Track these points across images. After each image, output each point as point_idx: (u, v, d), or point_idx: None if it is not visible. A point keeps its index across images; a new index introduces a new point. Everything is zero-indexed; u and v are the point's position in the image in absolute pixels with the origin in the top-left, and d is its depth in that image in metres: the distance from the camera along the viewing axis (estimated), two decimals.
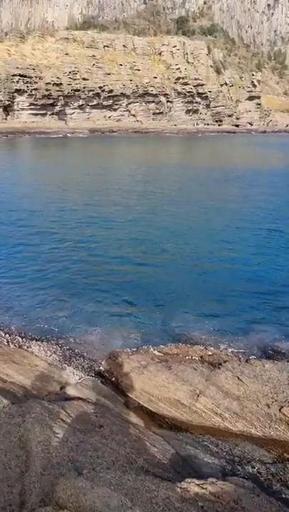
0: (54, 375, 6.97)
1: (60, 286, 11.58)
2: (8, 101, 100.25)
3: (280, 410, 6.30)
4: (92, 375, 7.47)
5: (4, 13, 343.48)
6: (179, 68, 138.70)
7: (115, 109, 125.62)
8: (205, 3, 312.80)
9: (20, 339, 8.32)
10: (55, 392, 6.43)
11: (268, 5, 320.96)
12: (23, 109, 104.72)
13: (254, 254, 14.47)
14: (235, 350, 8.49)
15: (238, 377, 6.89)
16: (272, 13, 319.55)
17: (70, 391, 6.34)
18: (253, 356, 8.19)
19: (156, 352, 7.79)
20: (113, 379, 7.24)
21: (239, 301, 10.91)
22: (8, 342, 8.05)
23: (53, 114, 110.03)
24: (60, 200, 23.12)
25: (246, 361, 7.52)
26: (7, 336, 8.41)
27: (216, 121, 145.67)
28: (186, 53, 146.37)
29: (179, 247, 15.25)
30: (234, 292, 11.46)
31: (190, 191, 26.78)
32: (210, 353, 7.89)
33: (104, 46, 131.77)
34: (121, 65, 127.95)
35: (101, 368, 7.66)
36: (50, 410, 5.51)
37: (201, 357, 7.72)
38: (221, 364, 7.34)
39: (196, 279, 12.36)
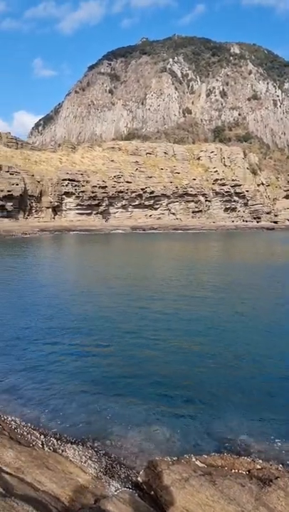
0: (89, 485, 6.42)
1: (96, 384, 11.24)
2: (57, 202, 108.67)
3: None
4: (129, 487, 6.83)
5: (58, 129, 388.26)
6: (216, 171, 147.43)
7: (156, 208, 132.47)
8: (240, 114, 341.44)
9: (55, 441, 7.90)
10: (89, 505, 5.86)
11: None
12: (70, 209, 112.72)
13: None
14: (287, 463, 7.64)
15: None
16: None
17: (105, 505, 5.76)
18: None
19: (198, 463, 7.10)
20: (152, 492, 6.57)
21: (288, 404, 10.09)
22: (42, 444, 7.65)
23: (97, 213, 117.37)
24: (98, 293, 23.51)
25: None
26: (42, 437, 8.03)
27: (254, 218, 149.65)
28: (223, 157, 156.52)
29: (220, 344, 14.73)
30: (283, 394, 10.67)
31: (232, 288, 26.54)
32: (258, 466, 7.11)
33: (147, 153, 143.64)
34: (162, 169, 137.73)
35: (139, 478, 7.01)
36: None
37: (249, 471, 6.95)
38: (271, 481, 6.55)
39: (239, 378, 11.68)
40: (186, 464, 7.01)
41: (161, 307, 20.31)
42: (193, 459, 7.29)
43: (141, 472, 7.11)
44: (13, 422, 8.53)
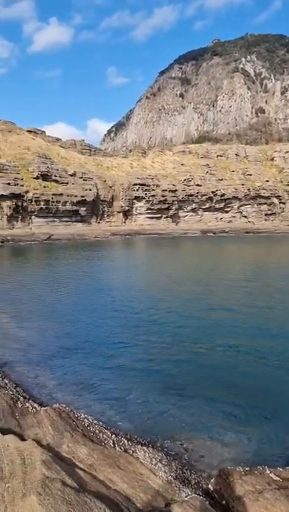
0: (159, 488, 6.41)
1: (166, 386, 11.23)
2: (128, 206, 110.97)
3: None
4: (199, 494, 6.71)
5: (130, 134, 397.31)
6: None
7: (227, 211, 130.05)
8: None
9: (126, 442, 8.00)
10: (159, 508, 5.84)
11: None
12: (140, 213, 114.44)
13: None
14: None
15: None
16: None
17: (176, 510, 5.71)
18: None
19: (273, 475, 6.78)
20: (223, 502, 6.39)
21: None
22: (114, 444, 7.78)
23: (167, 217, 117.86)
24: (168, 298, 23.57)
25: None
26: (113, 436, 8.17)
27: None
28: None
29: None
30: None
31: None
32: None
33: (218, 156, 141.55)
34: (233, 171, 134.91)
35: (210, 486, 6.87)
36: None
37: None
38: None
39: None
40: (260, 476, 6.73)
41: (232, 314, 19.86)
42: (267, 471, 6.97)
43: (212, 480, 6.95)
44: (86, 420, 8.76)
